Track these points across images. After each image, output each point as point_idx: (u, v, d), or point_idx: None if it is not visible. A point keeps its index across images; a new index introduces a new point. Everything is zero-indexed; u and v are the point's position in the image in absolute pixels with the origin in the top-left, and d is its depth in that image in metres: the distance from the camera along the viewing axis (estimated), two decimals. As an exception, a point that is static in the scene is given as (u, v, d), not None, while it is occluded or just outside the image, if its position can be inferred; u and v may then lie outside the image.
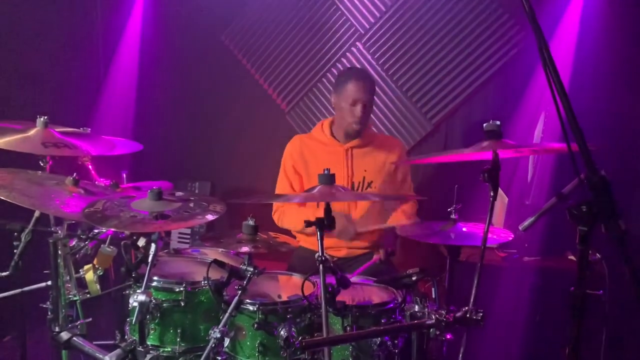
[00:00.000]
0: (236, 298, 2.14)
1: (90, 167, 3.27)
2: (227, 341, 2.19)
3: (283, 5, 4.21)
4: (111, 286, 2.85)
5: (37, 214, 2.28)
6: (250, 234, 2.28)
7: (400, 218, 3.03)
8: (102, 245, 2.50)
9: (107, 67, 4.52)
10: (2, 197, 2.02)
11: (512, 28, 3.62)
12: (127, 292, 2.43)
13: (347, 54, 4.05)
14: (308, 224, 2.03)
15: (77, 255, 2.48)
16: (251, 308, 2.20)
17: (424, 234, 2.46)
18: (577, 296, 1.35)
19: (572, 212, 1.32)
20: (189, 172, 4.55)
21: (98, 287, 2.47)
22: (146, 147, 3.41)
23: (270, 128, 4.33)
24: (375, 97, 3.88)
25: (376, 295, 2.42)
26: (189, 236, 4.34)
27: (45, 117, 2.37)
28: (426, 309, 2.10)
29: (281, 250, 2.37)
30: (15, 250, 2.33)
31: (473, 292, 1.69)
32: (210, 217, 2.07)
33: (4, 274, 2.35)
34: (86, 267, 2.48)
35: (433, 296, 2.23)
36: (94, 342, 2.15)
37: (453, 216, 2.40)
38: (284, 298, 2.31)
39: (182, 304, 2.29)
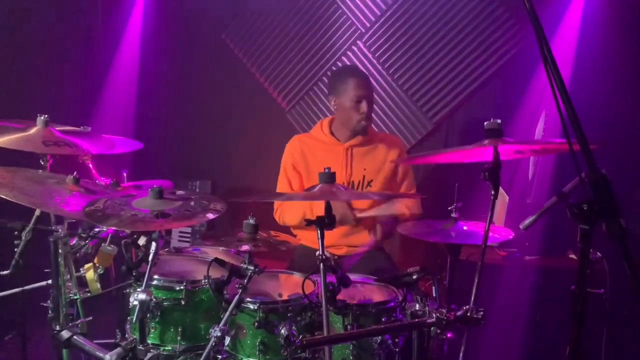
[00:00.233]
0: (237, 297, 2.13)
1: (90, 165, 3.27)
2: (227, 340, 2.19)
3: (284, 4, 4.21)
4: (112, 285, 2.85)
5: (37, 212, 2.29)
6: (251, 233, 2.28)
7: (401, 208, 3.02)
8: (102, 244, 2.51)
9: (108, 65, 4.52)
10: (2, 196, 2.02)
11: (512, 27, 3.62)
12: (128, 290, 2.43)
13: (348, 52, 4.05)
14: (308, 222, 2.03)
15: (78, 254, 2.48)
16: (252, 307, 2.20)
17: (424, 233, 2.46)
18: (578, 295, 1.35)
19: (573, 210, 1.31)
20: (190, 170, 4.56)
21: (99, 285, 2.48)
22: (147, 145, 3.41)
23: (271, 127, 4.33)
24: (375, 96, 3.90)
25: (377, 293, 2.42)
26: (189, 235, 4.34)
27: (46, 116, 2.38)
28: (427, 308, 2.10)
29: (281, 249, 2.37)
30: (15, 249, 2.33)
31: (474, 290, 1.69)
32: (211, 215, 2.07)
33: (4, 272, 2.35)
34: (87, 265, 2.48)
35: (434, 295, 2.23)
36: (95, 341, 2.15)
37: (454, 215, 2.40)
38: (285, 297, 2.31)
39: (183, 302, 2.29)
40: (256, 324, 2.17)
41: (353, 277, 2.33)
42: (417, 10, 3.84)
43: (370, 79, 3.14)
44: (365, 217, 2.96)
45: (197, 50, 4.55)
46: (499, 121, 1.87)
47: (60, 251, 2.25)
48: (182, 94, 4.62)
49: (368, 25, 3.99)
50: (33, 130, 2.34)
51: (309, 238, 3.06)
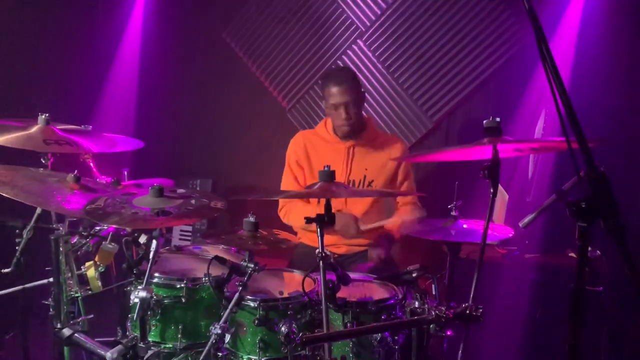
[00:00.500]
0: (237, 294, 2.14)
1: (91, 164, 3.27)
2: (228, 337, 2.19)
3: (284, 3, 4.22)
4: (112, 283, 2.86)
5: (38, 211, 2.29)
6: (251, 231, 2.28)
7: (404, 214, 3.03)
8: (103, 242, 2.52)
9: (109, 64, 4.53)
10: (4, 194, 2.03)
11: (512, 26, 3.63)
12: (129, 288, 2.43)
13: (348, 51, 4.06)
14: (308, 220, 2.03)
15: (79, 252, 2.49)
16: (252, 304, 2.21)
17: (424, 231, 2.46)
18: (577, 293, 1.36)
19: (571, 208, 1.32)
20: (190, 169, 4.56)
21: (99, 283, 2.49)
22: (147, 144, 3.40)
23: (271, 125, 4.34)
24: (375, 95, 3.91)
25: (376, 291, 2.43)
26: (190, 233, 4.34)
27: (47, 115, 2.38)
28: (426, 306, 2.11)
29: (282, 247, 2.38)
30: (17, 247, 2.34)
31: (473, 288, 1.70)
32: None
33: (6, 270, 2.36)
34: (88, 263, 2.49)
35: (433, 293, 2.24)
36: (96, 339, 2.16)
37: (453, 213, 2.41)
38: (285, 294, 2.32)
39: (183, 300, 2.29)
40: (256, 322, 2.18)
41: (353, 275, 2.34)
42: (417, 9, 3.85)
43: (359, 82, 3.05)
44: (368, 230, 2.96)
45: (197, 49, 4.56)
46: (498, 120, 1.87)
47: (61, 249, 2.26)
48: (182, 93, 4.62)
49: (368, 24, 3.99)
50: (34, 129, 2.34)
51: (309, 236, 3.06)
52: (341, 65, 4.03)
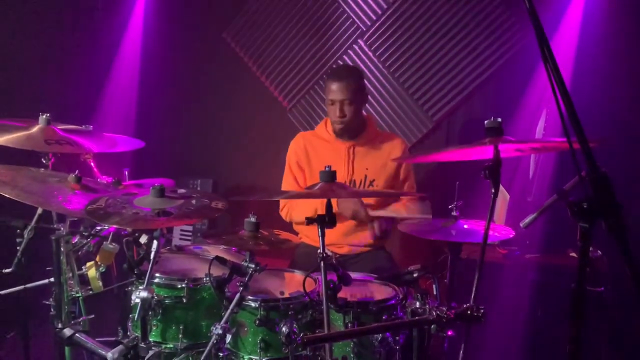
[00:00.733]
0: (238, 295, 2.14)
1: (92, 164, 3.28)
2: (229, 337, 2.19)
3: (285, 2, 4.22)
4: (113, 283, 2.86)
5: (39, 211, 2.29)
6: (252, 231, 2.28)
7: (410, 209, 3.03)
8: (104, 242, 2.52)
9: (109, 64, 4.53)
10: (5, 194, 2.03)
11: (513, 25, 3.62)
12: (130, 288, 2.43)
13: (349, 51, 4.06)
14: (309, 221, 2.03)
15: (80, 252, 2.49)
16: (253, 305, 2.21)
17: (425, 231, 2.46)
18: (578, 293, 1.36)
19: (573, 208, 1.32)
20: (191, 169, 4.57)
21: (100, 283, 2.49)
22: (148, 144, 3.41)
23: (272, 125, 4.34)
24: (376, 94, 3.91)
25: (377, 291, 2.43)
26: (190, 233, 4.35)
27: (48, 115, 2.38)
28: (427, 306, 2.11)
29: (282, 247, 2.37)
30: (18, 247, 2.34)
31: (474, 288, 1.69)
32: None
33: (7, 270, 2.36)
34: (88, 264, 2.49)
35: (434, 293, 2.24)
36: (97, 339, 2.16)
37: (454, 213, 2.40)
38: (286, 295, 2.32)
39: (184, 300, 2.29)
40: (257, 322, 2.18)
41: (354, 275, 2.34)
42: (418, 9, 3.85)
43: (362, 81, 3.05)
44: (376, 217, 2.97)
45: (198, 49, 4.56)
46: (499, 120, 1.87)
47: (62, 249, 2.26)
48: (183, 93, 4.63)
49: (369, 23, 3.99)
50: (35, 129, 2.34)
51: (310, 236, 3.06)
52: (336, 66, 4.03)
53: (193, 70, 4.59)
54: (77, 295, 2.41)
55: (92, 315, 2.46)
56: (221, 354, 2.20)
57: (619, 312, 2.75)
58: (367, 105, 3.51)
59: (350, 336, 2.16)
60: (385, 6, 3.94)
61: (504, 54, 3.67)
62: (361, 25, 4.01)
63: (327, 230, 2.05)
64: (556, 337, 2.81)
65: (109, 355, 1.99)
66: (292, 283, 2.52)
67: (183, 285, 2.30)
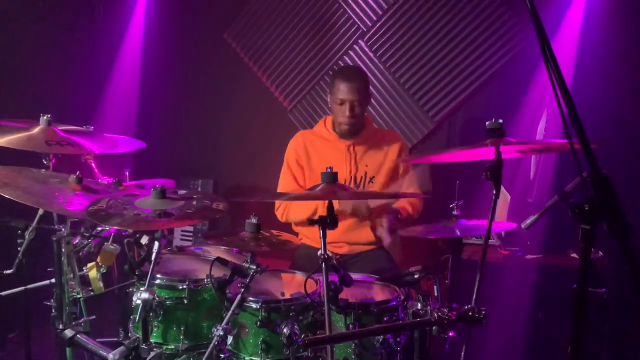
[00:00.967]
0: (239, 296, 2.14)
1: (93, 165, 3.28)
2: (230, 339, 2.19)
3: (285, 3, 4.22)
4: (114, 284, 2.86)
5: (40, 211, 2.29)
6: (253, 232, 2.28)
7: (405, 205, 3.04)
8: (105, 243, 2.52)
9: (110, 65, 4.53)
10: (6, 195, 2.03)
11: (514, 26, 3.62)
12: (131, 289, 2.43)
13: (350, 51, 4.05)
14: (311, 222, 2.03)
15: (81, 253, 2.50)
16: (254, 306, 2.21)
17: (425, 231, 2.46)
18: (579, 294, 1.35)
19: (574, 210, 1.31)
20: (192, 170, 4.57)
21: (101, 284, 2.49)
22: (149, 144, 3.41)
23: (273, 126, 4.34)
24: (377, 95, 3.91)
25: (378, 293, 2.43)
26: (191, 234, 4.35)
27: (49, 116, 2.38)
28: (429, 307, 2.11)
29: (284, 248, 2.38)
30: (19, 248, 2.34)
31: (475, 290, 1.69)
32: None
33: (8, 271, 2.36)
34: (89, 264, 2.49)
35: (435, 294, 2.24)
36: (98, 340, 2.16)
37: (455, 213, 2.40)
38: (287, 296, 2.32)
39: (185, 301, 2.29)
40: (258, 323, 2.18)
41: (355, 276, 2.34)
42: (419, 10, 3.84)
43: (369, 83, 3.08)
44: (376, 209, 2.97)
45: (199, 50, 4.56)
46: (500, 121, 1.87)
47: (63, 250, 2.26)
48: (184, 93, 4.63)
49: (370, 24, 3.99)
50: (36, 130, 2.35)
51: (310, 236, 3.07)
52: (342, 65, 4.03)
53: (194, 71, 4.59)
54: (78, 296, 2.42)
55: (93, 316, 2.46)
56: (222, 355, 2.20)
57: (620, 313, 2.74)
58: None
59: (351, 337, 2.15)
60: (385, 7, 3.94)
61: (504, 54, 3.67)
62: (362, 26, 4.01)
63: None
64: (557, 338, 2.81)
65: (110, 356, 1.99)
66: (292, 284, 2.53)
67: (184, 287, 2.30)
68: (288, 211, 3.07)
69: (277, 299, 2.28)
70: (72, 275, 2.35)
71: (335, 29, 4.09)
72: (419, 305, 2.13)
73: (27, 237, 2.33)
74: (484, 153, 1.90)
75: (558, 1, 3.45)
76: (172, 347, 2.30)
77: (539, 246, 3.11)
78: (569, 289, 1.36)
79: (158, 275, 2.33)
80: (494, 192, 1.77)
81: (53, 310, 2.31)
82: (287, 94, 4.29)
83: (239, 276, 2.17)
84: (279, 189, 3.15)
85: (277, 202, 3.14)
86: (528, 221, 2.14)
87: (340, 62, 4.08)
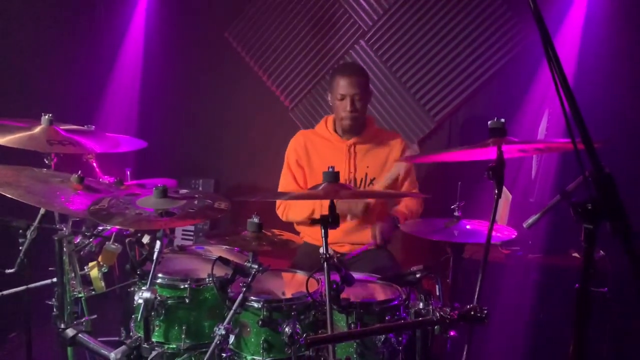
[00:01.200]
0: (241, 295, 2.14)
1: (94, 164, 3.28)
2: (231, 338, 2.19)
3: (286, 2, 4.22)
4: (116, 283, 2.86)
5: (42, 211, 2.29)
6: (255, 232, 2.28)
7: (402, 211, 3.06)
8: (106, 243, 2.52)
9: (111, 64, 4.53)
10: (8, 195, 2.03)
11: (515, 26, 3.62)
12: (132, 289, 2.43)
13: (350, 51, 4.05)
14: (313, 222, 2.03)
15: (82, 253, 2.49)
16: (256, 305, 2.21)
17: (427, 231, 2.46)
18: (582, 294, 1.35)
19: (576, 209, 1.31)
20: (193, 169, 4.57)
21: (103, 284, 2.49)
22: (150, 144, 3.41)
23: (274, 125, 4.34)
24: (378, 94, 3.90)
25: (380, 292, 2.42)
26: (192, 233, 4.35)
27: (50, 115, 2.38)
28: (430, 307, 2.10)
29: (285, 248, 2.37)
30: (20, 248, 2.34)
31: (477, 289, 1.69)
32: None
33: (9, 271, 2.35)
34: (91, 264, 2.49)
35: (437, 293, 2.23)
36: (99, 339, 2.16)
37: (456, 213, 2.40)
38: (288, 295, 2.32)
39: (187, 301, 2.29)
40: (260, 323, 2.18)
41: (356, 275, 2.34)
42: (420, 9, 3.84)
43: (368, 79, 3.09)
44: (374, 210, 2.98)
45: (200, 49, 4.56)
46: (502, 120, 1.87)
47: (64, 249, 2.26)
48: (185, 93, 4.62)
49: (370, 23, 3.99)
50: (37, 129, 2.34)
51: (312, 235, 3.07)
52: (342, 62, 4.03)
53: (195, 70, 4.59)
54: (80, 295, 2.41)
55: (95, 316, 2.46)
56: (224, 355, 2.20)
57: (621, 312, 2.74)
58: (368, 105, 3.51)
59: (353, 337, 2.15)
60: (386, 6, 3.93)
61: (505, 54, 3.67)
62: (363, 26, 4.01)
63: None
64: (558, 338, 2.81)
65: (112, 355, 1.99)
66: (294, 283, 2.52)
67: (186, 286, 2.30)
68: (288, 211, 3.08)
69: (278, 299, 2.28)
70: (73, 275, 2.35)
71: (337, 28, 4.09)
72: (421, 304, 2.13)
73: (28, 236, 2.32)
74: (486, 153, 1.90)
75: (560, 0, 3.45)
76: (174, 346, 2.30)
77: (540, 246, 3.11)
78: (571, 288, 1.36)
79: (160, 275, 2.33)
80: (496, 191, 1.77)
81: (54, 310, 2.31)
82: (288, 93, 4.29)
83: (241, 275, 2.17)
84: (280, 189, 3.15)
85: (277, 202, 3.14)
86: (530, 221, 2.13)
87: (341, 62, 4.07)
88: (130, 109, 4.56)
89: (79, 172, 2.28)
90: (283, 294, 2.36)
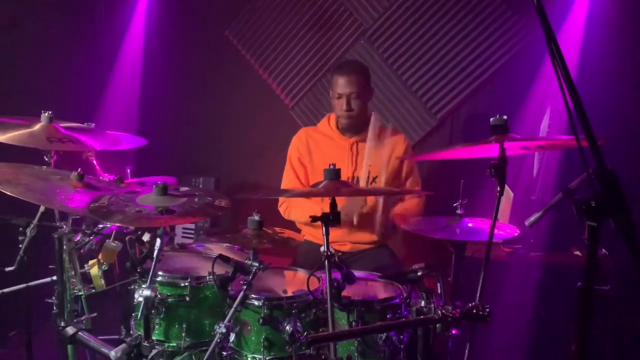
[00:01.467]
0: (241, 293, 2.14)
1: (94, 162, 3.27)
2: (232, 336, 2.18)
3: (287, 0, 4.20)
4: (116, 281, 2.85)
5: (42, 209, 2.28)
6: (256, 229, 2.27)
7: (404, 215, 3.05)
8: (106, 241, 2.51)
9: (112, 62, 4.52)
10: (7, 192, 2.02)
11: (516, 23, 3.60)
12: (132, 287, 2.43)
13: (352, 49, 4.04)
14: (314, 219, 2.02)
15: (82, 250, 2.48)
16: (256, 303, 2.20)
17: (428, 229, 2.45)
18: (586, 292, 1.34)
19: (580, 207, 1.30)
20: (193, 167, 4.56)
21: (103, 282, 2.48)
22: (150, 142, 3.40)
23: (274, 123, 4.33)
24: (379, 92, 3.89)
25: (381, 290, 2.42)
26: (192, 231, 4.34)
27: (50, 112, 2.37)
28: (432, 305, 2.10)
29: (286, 246, 2.37)
30: (20, 245, 2.33)
31: (479, 287, 1.68)
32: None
33: (9, 268, 2.35)
34: (91, 262, 2.48)
35: (439, 291, 2.22)
36: (99, 337, 2.16)
37: (459, 211, 2.39)
38: (289, 293, 2.31)
39: (187, 299, 2.28)
40: (261, 321, 2.17)
41: (358, 273, 2.33)
42: (420, 7, 3.83)
43: (368, 77, 3.08)
44: (373, 206, 2.96)
45: (200, 47, 4.54)
46: (505, 117, 1.86)
47: (64, 247, 2.25)
48: (185, 91, 4.62)
49: (372, 21, 3.97)
50: (37, 127, 2.34)
51: (313, 233, 3.06)
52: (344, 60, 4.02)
53: (195, 68, 4.58)
54: (80, 293, 2.40)
55: (95, 314, 2.45)
56: (224, 353, 2.20)
57: (624, 310, 2.74)
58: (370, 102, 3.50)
59: (354, 335, 2.15)
60: (387, 4, 3.92)
61: (507, 51, 3.66)
62: (364, 23, 4.00)
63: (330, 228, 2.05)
64: (560, 336, 2.80)
65: (112, 353, 1.98)
66: (294, 281, 2.52)
67: (186, 284, 2.29)
68: (290, 210, 3.07)
69: (279, 297, 2.27)
70: (73, 273, 2.34)
71: (337, 27, 4.07)
72: (423, 302, 2.12)
73: (28, 234, 2.32)
74: (488, 150, 1.89)
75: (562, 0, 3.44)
76: (174, 344, 2.30)
77: (542, 244, 3.10)
78: (573, 286, 1.36)
79: (160, 273, 2.32)
80: (498, 189, 1.76)
81: (54, 308, 2.30)
82: (289, 92, 4.28)
83: (242, 273, 2.16)
84: (282, 187, 3.15)
85: (280, 199, 3.13)
86: (532, 219, 2.12)
87: (342, 59, 4.06)
88: (130, 106, 4.55)
89: (79, 170, 2.28)
90: (284, 292, 2.35)
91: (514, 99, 3.56)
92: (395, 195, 3.14)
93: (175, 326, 2.30)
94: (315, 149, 3.09)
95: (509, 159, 1.79)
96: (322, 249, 2.04)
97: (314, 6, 4.12)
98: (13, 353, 3.40)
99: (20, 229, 2.33)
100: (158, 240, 2.08)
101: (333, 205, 2.03)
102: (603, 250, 2.69)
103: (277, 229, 2.43)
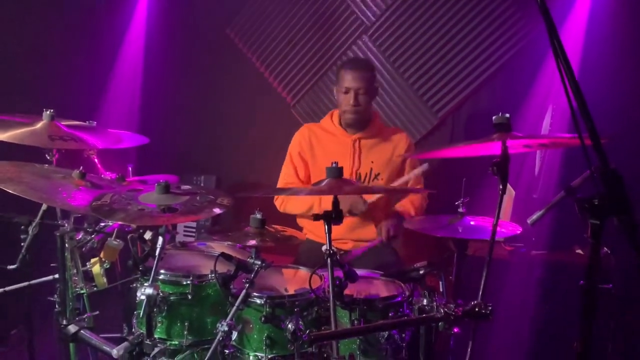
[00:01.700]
0: (243, 291, 2.14)
1: (96, 160, 3.27)
2: (234, 334, 2.18)
3: (288, -2, 4.20)
4: (118, 279, 2.85)
5: (44, 207, 2.28)
6: (258, 227, 2.27)
7: (407, 207, 3.04)
8: (108, 239, 2.51)
9: (113, 60, 4.52)
10: (9, 190, 2.02)
11: (519, 21, 3.60)
12: (134, 285, 2.43)
13: (353, 47, 4.04)
14: (316, 217, 2.02)
15: (84, 249, 2.48)
16: (258, 301, 2.20)
17: (431, 228, 2.45)
18: (588, 290, 1.34)
19: (583, 205, 1.30)
20: (194, 165, 4.56)
21: (105, 280, 2.48)
22: (151, 140, 3.41)
23: (276, 121, 4.33)
24: (380, 90, 3.89)
25: (383, 289, 2.42)
26: (194, 229, 4.34)
27: (52, 111, 2.37)
28: (434, 303, 2.10)
29: (288, 244, 2.37)
30: (22, 244, 2.33)
31: (482, 286, 1.68)
32: (217, 210, 2.07)
33: (11, 267, 2.35)
34: (93, 260, 2.48)
35: (441, 290, 2.23)
36: (101, 335, 2.16)
37: (461, 210, 2.39)
38: (291, 291, 2.31)
39: (190, 297, 2.28)
40: (263, 319, 2.17)
41: (360, 272, 2.33)
42: (422, 4, 3.82)
43: (375, 74, 3.11)
44: (375, 205, 2.96)
45: (201, 45, 4.54)
46: (507, 115, 1.86)
47: (66, 246, 2.25)
48: (186, 89, 4.61)
49: (373, 19, 3.97)
50: (39, 125, 2.34)
51: (315, 232, 3.06)
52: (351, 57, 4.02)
53: (196, 66, 4.57)
54: (82, 291, 2.40)
55: (97, 312, 2.45)
56: (227, 351, 2.20)
57: (626, 308, 2.73)
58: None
59: (356, 333, 2.15)
60: (389, 1, 3.92)
61: (509, 49, 3.65)
62: (365, 21, 3.99)
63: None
64: (562, 334, 2.80)
65: (114, 352, 1.99)
66: (297, 280, 2.52)
67: (188, 282, 2.29)
68: (286, 203, 3.07)
69: (281, 295, 2.27)
70: (75, 271, 2.33)
71: (339, 24, 4.07)
72: (425, 301, 2.12)
73: (30, 232, 2.32)
74: (490, 148, 1.89)
75: (563, -1, 3.44)
76: (176, 342, 2.30)
77: (544, 242, 3.10)
78: (575, 285, 1.36)
79: (162, 271, 2.32)
80: (501, 187, 1.76)
81: (56, 306, 2.30)
82: (290, 89, 4.28)
83: (244, 272, 2.16)
84: (280, 180, 3.16)
85: None
86: (534, 217, 2.12)
87: (343, 57, 4.05)
88: (131, 105, 4.55)
89: (81, 168, 2.27)
90: (286, 290, 2.35)
91: (515, 97, 3.56)
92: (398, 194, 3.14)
93: (178, 324, 2.30)
94: (317, 145, 3.09)
95: (511, 157, 1.79)
96: (324, 247, 2.03)
97: (316, 4, 4.12)
98: (15, 351, 3.40)
99: (22, 227, 2.33)
100: (160, 239, 2.08)
101: (335, 204, 2.03)
102: (605, 248, 2.68)
103: (279, 227, 2.43)
